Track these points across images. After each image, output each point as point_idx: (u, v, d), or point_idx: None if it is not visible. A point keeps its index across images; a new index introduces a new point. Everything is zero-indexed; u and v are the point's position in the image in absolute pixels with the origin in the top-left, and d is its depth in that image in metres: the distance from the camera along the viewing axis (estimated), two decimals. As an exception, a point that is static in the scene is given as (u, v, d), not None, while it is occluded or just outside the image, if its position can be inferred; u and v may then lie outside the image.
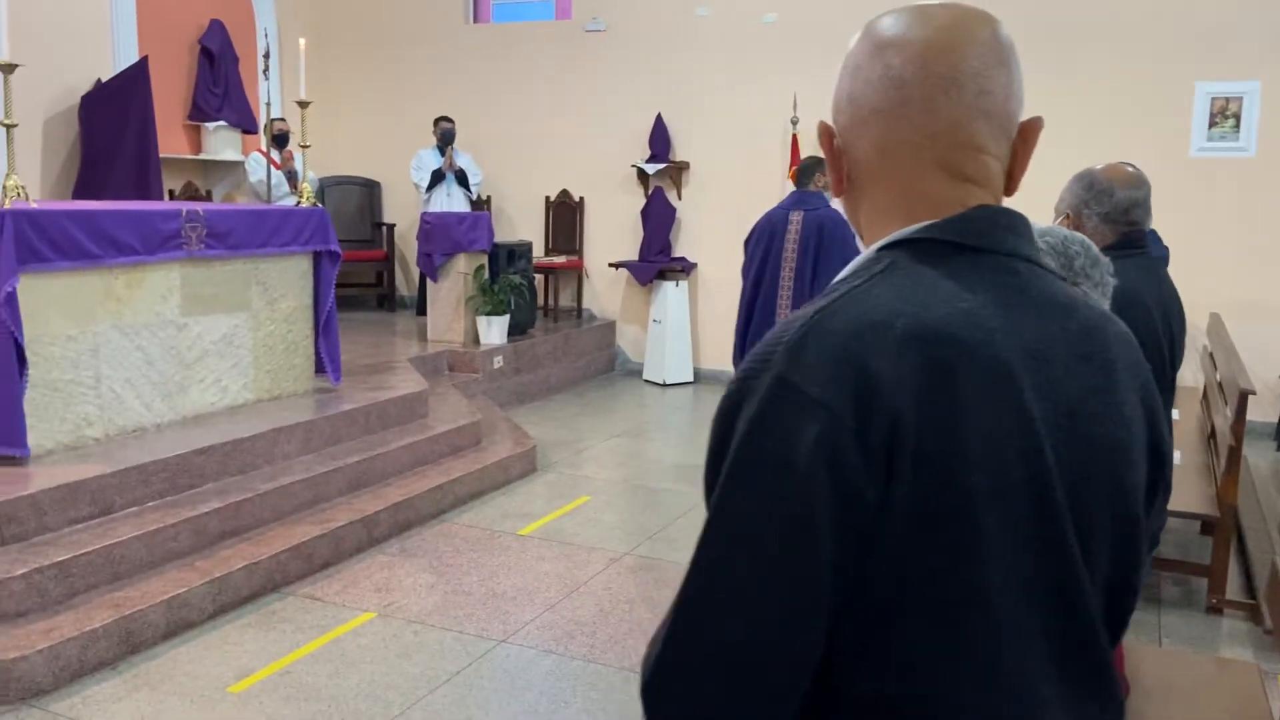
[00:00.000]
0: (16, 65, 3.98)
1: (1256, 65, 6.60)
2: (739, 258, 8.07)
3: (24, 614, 3.36)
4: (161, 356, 4.53)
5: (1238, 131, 6.80)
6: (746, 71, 8.00)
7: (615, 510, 5.18)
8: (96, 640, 3.35)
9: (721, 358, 8.28)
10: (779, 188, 7.83)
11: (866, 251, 0.94)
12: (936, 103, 0.90)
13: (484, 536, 4.73)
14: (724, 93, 8.09)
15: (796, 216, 5.28)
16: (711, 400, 7.67)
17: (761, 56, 7.94)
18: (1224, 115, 6.80)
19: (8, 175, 3.97)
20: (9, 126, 3.98)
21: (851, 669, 0.85)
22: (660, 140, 8.25)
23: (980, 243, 0.91)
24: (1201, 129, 6.83)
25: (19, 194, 3.96)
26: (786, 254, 5.39)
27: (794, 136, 7.66)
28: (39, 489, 3.67)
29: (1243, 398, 3.80)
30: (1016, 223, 0.93)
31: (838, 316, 0.85)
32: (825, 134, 0.99)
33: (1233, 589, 4.05)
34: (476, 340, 7.28)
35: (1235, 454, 3.81)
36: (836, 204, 6.36)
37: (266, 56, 5.52)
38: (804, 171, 5.34)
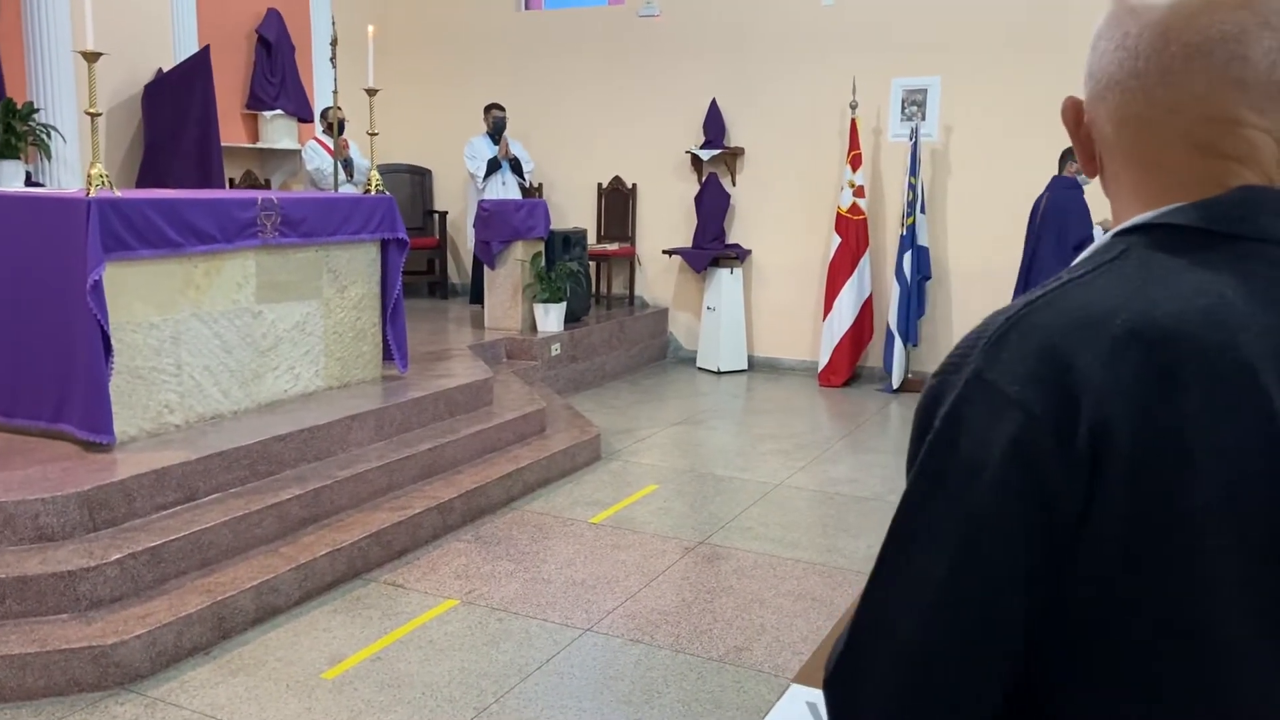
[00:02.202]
0: (101, 54, 4.01)
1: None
2: (794, 245, 8.09)
3: (119, 599, 3.39)
4: (238, 344, 4.56)
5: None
6: (803, 56, 7.92)
7: (684, 499, 5.16)
8: (191, 625, 3.38)
9: (776, 346, 8.27)
10: (836, 174, 7.77)
11: (1103, 238, 0.88)
12: (1176, 73, 0.82)
13: (556, 524, 4.73)
14: (780, 78, 8.01)
15: (1044, 197, 6.13)
16: (766, 388, 7.69)
17: (819, 41, 7.85)
18: None
19: (92, 164, 4.00)
20: (93, 115, 4.01)
21: (1057, 693, 0.80)
22: (715, 126, 8.19)
23: (1237, 229, 0.81)
24: None
25: (104, 182, 3.98)
26: (1029, 233, 6.21)
27: (853, 121, 7.57)
28: (128, 475, 3.71)
29: None
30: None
31: (1049, 310, 0.79)
32: (1072, 110, 0.93)
33: None
34: (534, 328, 7.28)
35: None
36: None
37: (334, 44, 5.50)
38: (1062, 156, 6.19)
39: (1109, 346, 0.76)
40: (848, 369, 7.75)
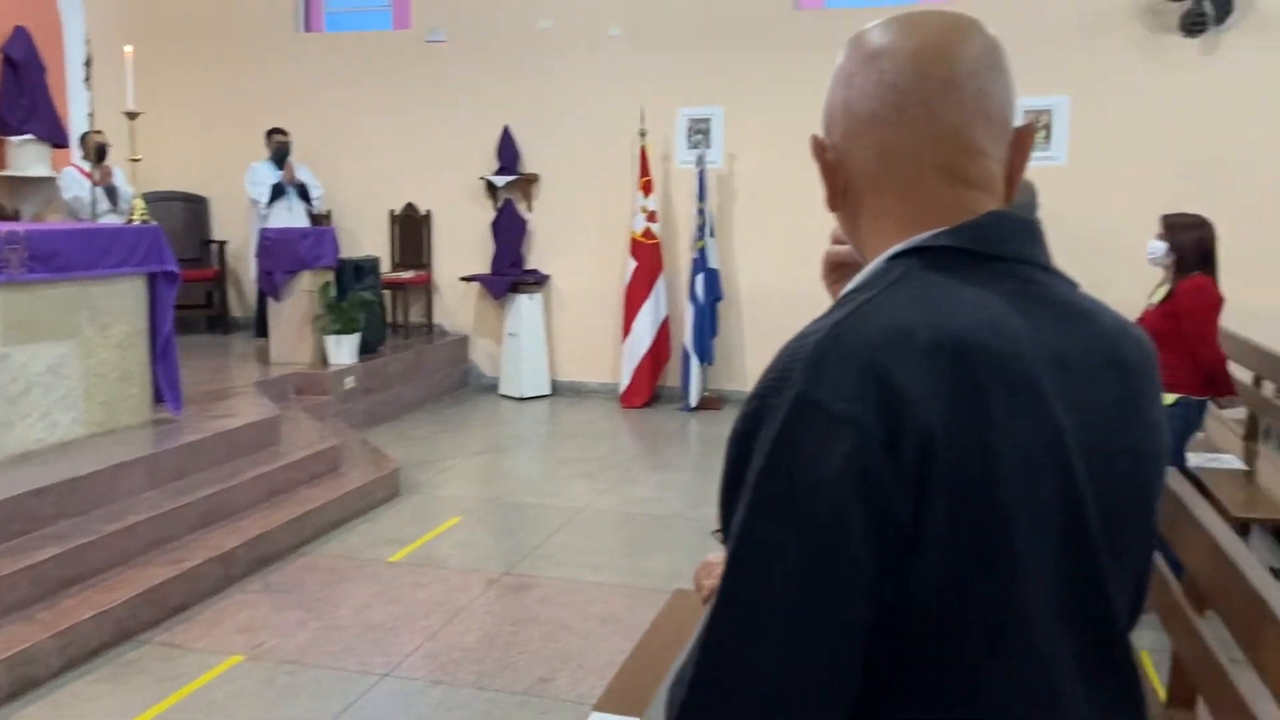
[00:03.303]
0: None
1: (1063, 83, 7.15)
2: (592, 269, 8.16)
3: None
4: (-20, 391, 4.12)
5: (1049, 143, 7.33)
6: (593, 84, 8.03)
7: (488, 530, 5.07)
8: (-76, 712, 3.00)
9: (578, 369, 8.29)
10: (629, 200, 7.90)
11: (875, 262, 0.92)
12: (935, 106, 0.88)
13: (352, 566, 4.52)
14: (572, 105, 8.09)
15: None
16: (570, 412, 7.69)
17: (608, 69, 7.99)
18: (1036, 127, 7.32)
19: None
20: None
21: (893, 698, 0.82)
22: (509, 152, 8.17)
23: (995, 250, 0.88)
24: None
25: None
26: None
27: (643, 149, 7.73)
28: None
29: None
30: (1030, 229, 0.91)
31: (857, 329, 0.81)
32: (818, 147, 0.96)
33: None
34: (325, 361, 6.98)
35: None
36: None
37: (88, 64, 5.10)
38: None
39: (921, 360, 0.79)
40: (648, 390, 7.87)
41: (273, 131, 7.92)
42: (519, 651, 3.68)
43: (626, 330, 7.85)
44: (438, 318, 8.64)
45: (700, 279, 7.61)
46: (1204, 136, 6.78)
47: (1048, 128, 7.28)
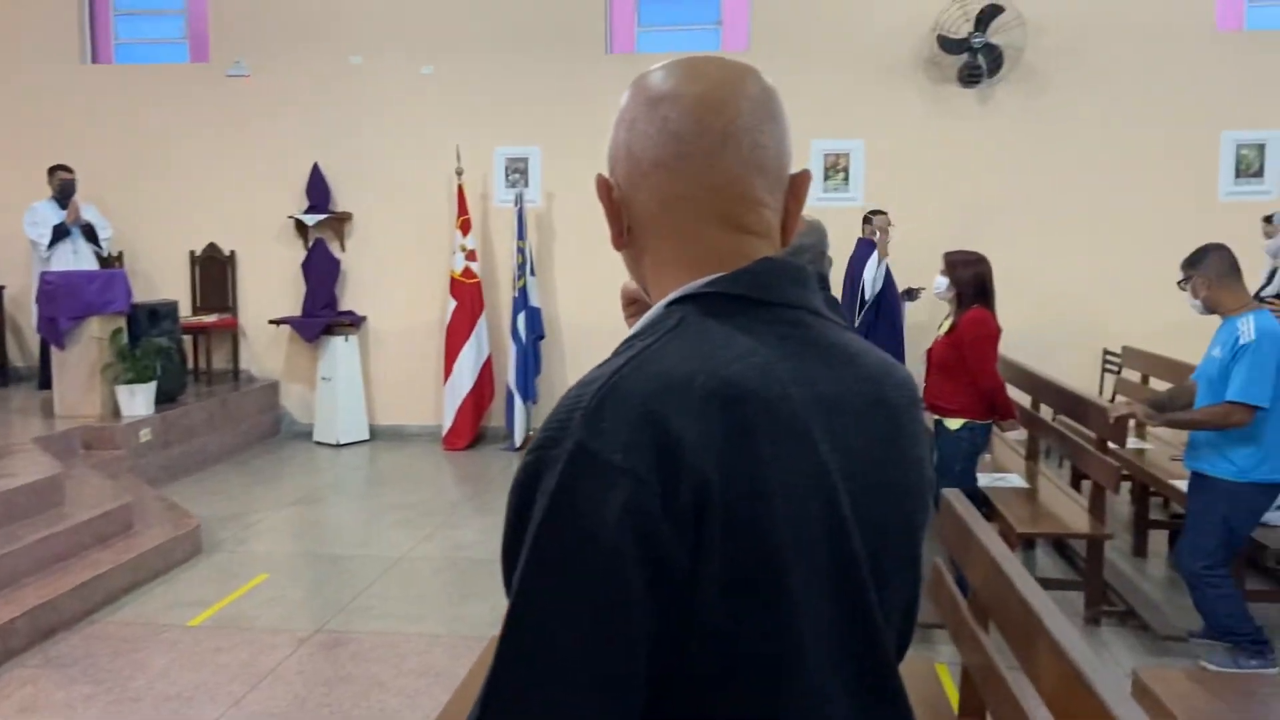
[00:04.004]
0: None
1: (860, 127, 7.59)
2: (411, 309, 8.01)
3: None
4: None
5: (847, 184, 7.75)
6: (408, 122, 7.92)
7: (298, 586, 4.83)
8: None
9: (398, 412, 8.08)
10: (448, 238, 7.81)
11: (656, 307, 0.93)
12: (715, 157, 0.91)
13: (147, 633, 4.21)
14: (385, 143, 7.94)
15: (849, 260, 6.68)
16: (390, 456, 7.48)
17: (422, 107, 7.90)
18: (835, 169, 7.74)
19: None
20: None
21: None
22: (319, 190, 7.93)
23: (767, 295, 0.91)
24: (818, 181, 7.72)
25: None
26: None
27: (460, 187, 7.67)
28: None
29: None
30: (801, 274, 0.94)
31: (634, 377, 0.82)
32: (604, 187, 0.97)
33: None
34: (117, 413, 6.51)
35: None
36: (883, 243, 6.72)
37: None
38: (863, 220, 6.77)
39: (696, 407, 0.80)
40: (471, 431, 7.75)
41: (55, 169, 7.38)
42: (331, 713, 3.51)
43: (448, 371, 7.73)
44: (245, 363, 8.23)
45: (522, 317, 7.60)
46: (981, 178, 7.35)
47: (846, 170, 7.71)
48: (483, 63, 7.82)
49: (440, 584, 4.83)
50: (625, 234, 0.97)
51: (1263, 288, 4.99)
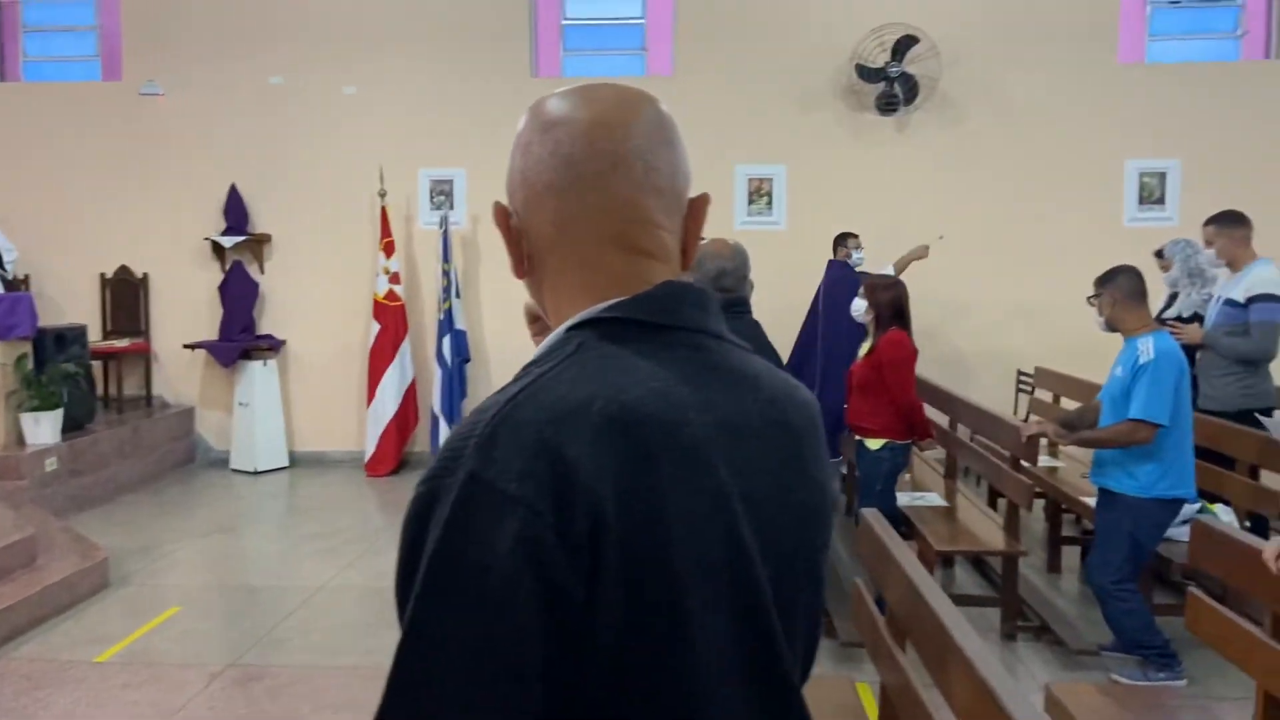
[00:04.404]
0: None
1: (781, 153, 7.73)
2: (333, 333, 7.87)
3: None
4: None
5: (771, 208, 7.87)
6: (330, 142, 7.81)
7: (211, 619, 4.68)
8: None
9: (319, 438, 7.92)
10: (371, 260, 7.71)
11: (555, 332, 0.92)
12: (607, 179, 0.91)
13: (50, 670, 4.03)
14: (306, 163, 7.82)
15: (823, 281, 6.69)
16: (310, 484, 7.31)
17: (344, 128, 7.80)
18: (759, 194, 7.86)
19: None
20: None
21: None
22: (236, 211, 7.76)
23: (667, 320, 0.90)
24: (742, 205, 7.82)
25: None
26: (810, 314, 6.79)
27: (383, 209, 7.59)
28: None
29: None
30: (702, 298, 0.94)
31: (530, 404, 0.81)
32: (502, 214, 0.96)
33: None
34: (21, 441, 6.26)
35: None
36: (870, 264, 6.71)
37: None
38: (834, 242, 6.77)
39: (592, 434, 0.79)
40: (395, 456, 7.63)
41: (-43, 187, 7.11)
42: (245, 750, 3.40)
43: (371, 395, 7.60)
44: (158, 389, 7.99)
45: (448, 340, 7.52)
46: (899, 203, 7.52)
47: (769, 194, 7.82)
48: (407, 84, 7.76)
49: (362, 614, 4.73)
50: (525, 261, 0.96)
51: (1163, 310, 5.19)
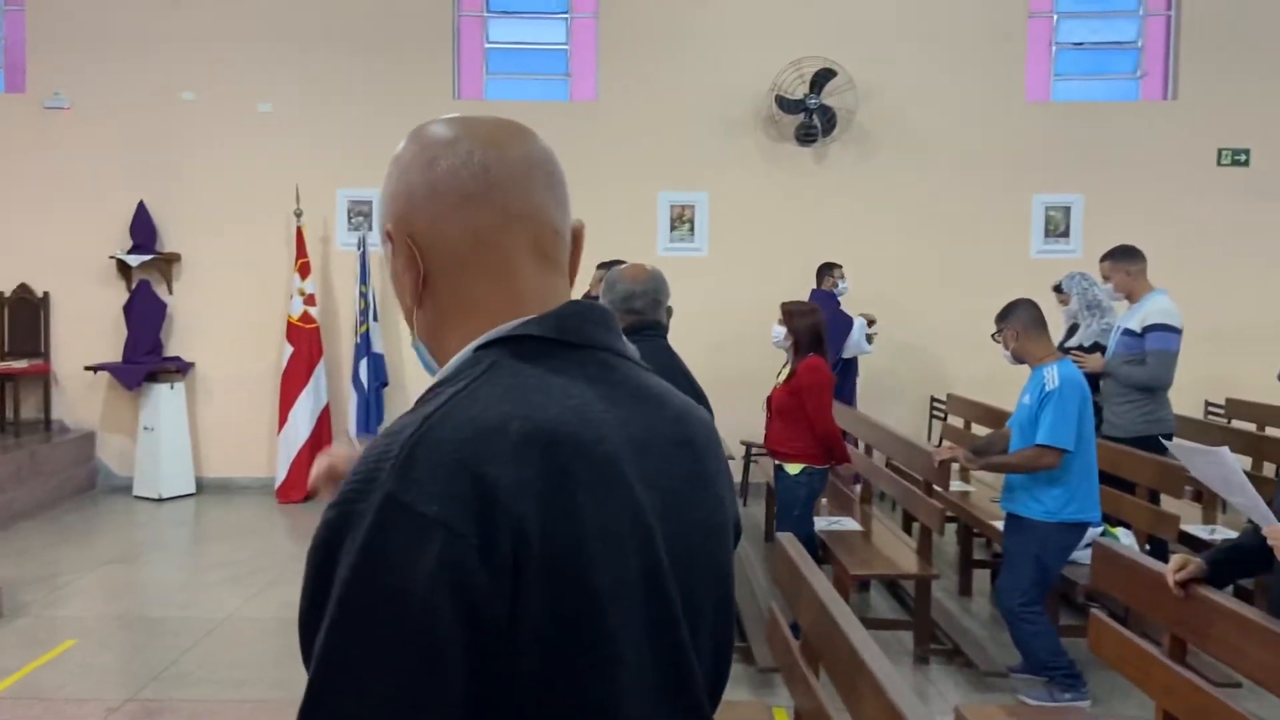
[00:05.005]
0: None
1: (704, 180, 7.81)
2: (244, 355, 7.68)
3: None
4: None
5: (693, 235, 7.94)
6: (244, 160, 7.64)
7: (110, 651, 4.48)
8: None
9: (227, 464, 7.69)
10: (285, 282, 7.54)
11: (463, 352, 0.91)
12: (523, 185, 0.92)
13: (-71, 711, 3.81)
14: (219, 181, 7.63)
15: None
16: (217, 511, 7.09)
17: (259, 146, 7.64)
18: (681, 220, 7.92)
19: None
20: None
21: None
22: (144, 229, 7.52)
23: (577, 338, 0.91)
24: (665, 231, 7.87)
25: None
26: None
27: (299, 229, 7.44)
28: None
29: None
30: (606, 318, 0.95)
31: (446, 424, 0.79)
32: (403, 237, 0.93)
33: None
34: (-95, 467, 5.94)
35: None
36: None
37: None
38: (818, 272, 6.85)
39: (512, 452, 0.77)
40: (307, 483, 7.43)
41: None
42: (141, 790, 3.25)
43: (283, 420, 7.42)
44: (58, 412, 7.66)
45: (365, 364, 7.39)
46: (818, 232, 7.66)
47: (691, 221, 7.89)
48: (325, 102, 7.65)
49: (268, 646, 4.58)
50: (421, 286, 0.93)
51: (1065, 339, 5.37)
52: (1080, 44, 8.02)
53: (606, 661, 0.81)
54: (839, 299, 6.85)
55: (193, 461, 7.57)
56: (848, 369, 6.83)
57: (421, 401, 0.87)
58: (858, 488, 5.66)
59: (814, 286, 6.93)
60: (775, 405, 4.58)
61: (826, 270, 6.93)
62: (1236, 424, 6.48)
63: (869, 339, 6.96)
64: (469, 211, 0.91)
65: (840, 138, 7.66)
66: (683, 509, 0.91)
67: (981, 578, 5.44)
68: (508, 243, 0.92)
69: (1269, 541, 2.33)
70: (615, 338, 0.95)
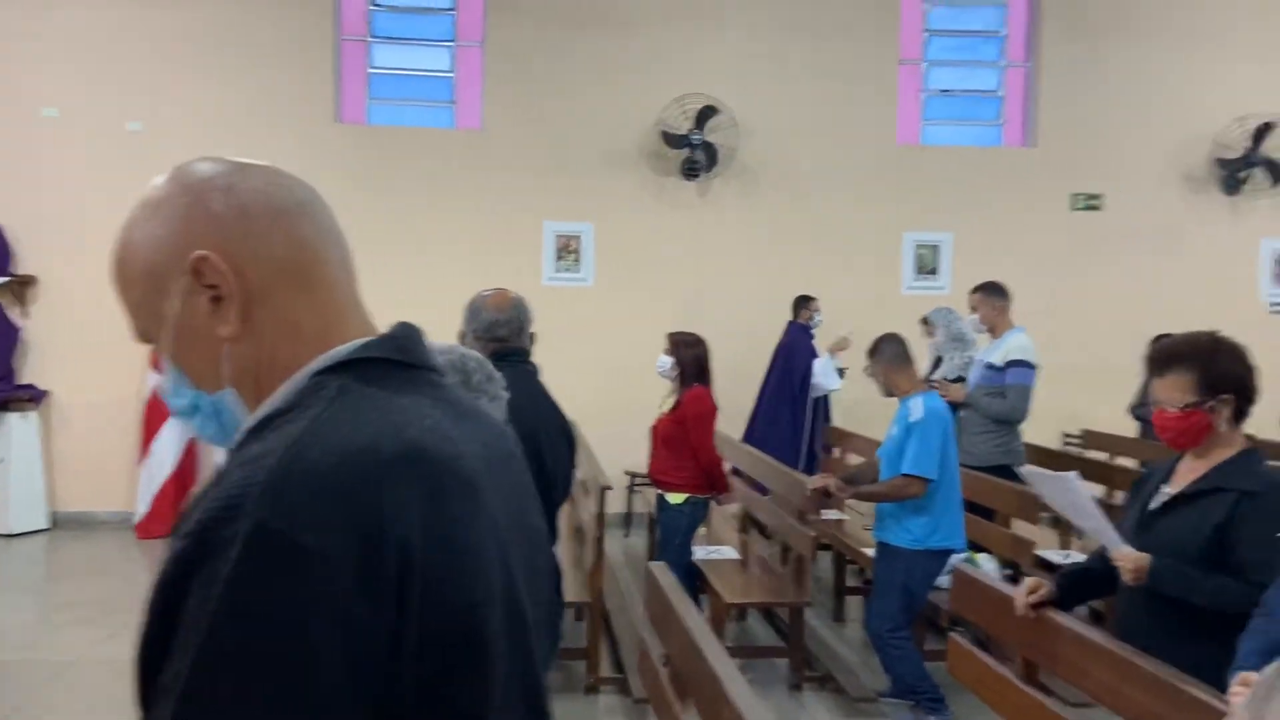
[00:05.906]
0: None
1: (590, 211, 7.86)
2: (105, 383, 7.30)
3: None
4: None
5: (579, 265, 7.96)
6: (110, 180, 7.28)
7: (-57, 701, 4.17)
8: None
9: (84, 498, 7.31)
10: (151, 306, 7.21)
11: (296, 378, 0.88)
12: (319, 206, 0.96)
13: None
14: (82, 201, 7.28)
15: (780, 342, 6.96)
16: (72, 547, 6.72)
17: (128, 166, 7.32)
18: (567, 250, 7.94)
19: None
20: None
21: None
22: (-2, 250, 7.12)
23: (412, 359, 0.92)
24: (550, 261, 7.88)
25: None
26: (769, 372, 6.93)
27: (167, 252, 7.15)
28: None
29: (602, 493, 4.39)
30: (423, 337, 0.97)
31: (315, 449, 0.77)
32: (214, 268, 0.87)
33: (605, 667, 4.55)
34: None
35: (599, 545, 4.35)
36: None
37: None
38: (794, 305, 7.02)
39: (385, 474, 0.76)
40: (172, 517, 7.10)
41: None
42: None
43: (145, 451, 7.08)
44: (-105, 443, 7.14)
45: (235, 393, 7.11)
46: (701, 264, 7.79)
47: (577, 251, 7.92)
48: (201, 122, 7.40)
49: (121, 690, 4.28)
50: (242, 314, 0.89)
51: (931, 372, 5.59)
52: (947, 91, 8.42)
53: (482, 676, 0.81)
54: (813, 332, 6.96)
55: (46, 495, 7.16)
56: (816, 410, 6.85)
57: (257, 432, 0.84)
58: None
59: (790, 319, 7.06)
60: (660, 435, 4.61)
61: (803, 303, 7.03)
62: (1091, 454, 6.82)
63: (840, 372, 6.89)
64: (287, 222, 0.91)
65: (722, 173, 7.82)
66: (520, 520, 0.93)
67: (854, 604, 5.56)
68: (325, 255, 0.93)
69: (1115, 564, 2.45)
70: (434, 357, 0.97)
